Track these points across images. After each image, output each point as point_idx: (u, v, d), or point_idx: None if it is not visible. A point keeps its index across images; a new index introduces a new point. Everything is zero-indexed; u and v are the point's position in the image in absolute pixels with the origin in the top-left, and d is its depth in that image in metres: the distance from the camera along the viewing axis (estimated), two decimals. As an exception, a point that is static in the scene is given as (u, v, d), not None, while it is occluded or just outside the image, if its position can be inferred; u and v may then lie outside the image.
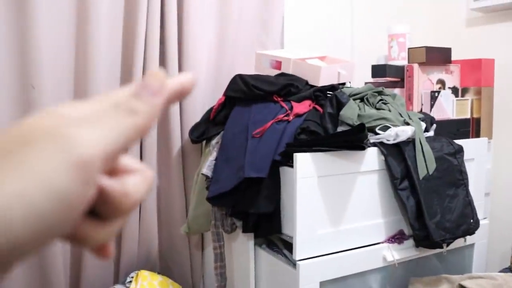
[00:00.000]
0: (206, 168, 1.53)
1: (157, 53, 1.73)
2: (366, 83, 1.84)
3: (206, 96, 1.87)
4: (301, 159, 1.32)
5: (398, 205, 1.50)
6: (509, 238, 2.03)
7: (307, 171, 1.33)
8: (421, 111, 1.81)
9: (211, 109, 1.73)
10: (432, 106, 1.91)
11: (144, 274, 1.71)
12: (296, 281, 1.34)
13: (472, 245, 1.67)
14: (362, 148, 1.38)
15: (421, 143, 1.48)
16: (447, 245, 1.46)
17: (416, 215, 1.44)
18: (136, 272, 1.73)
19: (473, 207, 1.55)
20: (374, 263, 1.46)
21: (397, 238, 1.49)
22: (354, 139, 1.36)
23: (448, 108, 1.91)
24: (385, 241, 1.48)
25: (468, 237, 1.58)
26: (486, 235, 1.70)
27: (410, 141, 1.48)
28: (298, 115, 1.49)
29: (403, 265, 1.52)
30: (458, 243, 1.56)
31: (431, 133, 1.63)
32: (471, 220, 1.53)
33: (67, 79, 1.66)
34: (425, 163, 1.47)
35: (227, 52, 1.92)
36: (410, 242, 1.51)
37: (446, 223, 1.46)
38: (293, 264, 1.39)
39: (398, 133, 1.45)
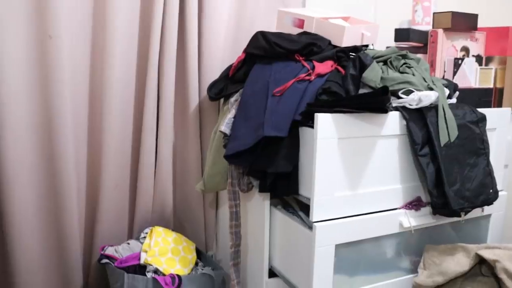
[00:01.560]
0: (224, 125, 1.51)
1: (177, 10, 1.69)
2: (387, 47, 1.79)
3: (225, 54, 1.84)
4: (322, 119, 1.29)
5: (417, 172, 1.48)
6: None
7: (328, 132, 1.30)
8: (443, 78, 1.76)
9: (230, 66, 1.70)
10: (454, 73, 1.87)
11: (158, 230, 1.72)
12: (312, 243, 1.33)
13: (489, 215, 1.65)
14: (385, 111, 1.35)
15: (444, 110, 1.45)
16: (465, 214, 1.44)
17: (435, 182, 1.42)
18: (150, 228, 1.74)
19: (493, 177, 1.52)
20: (390, 228, 1.44)
21: (414, 204, 1.47)
22: (376, 102, 1.33)
23: (471, 76, 1.87)
24: (402, 207, 1.47)
25: (485, 208, 1.56)
26: (504, 206, 1.67)
27: (433, 107, 1.45)
28: (319, 75, 1.45)
29: (418, 233, 1.51)
30: (475, 213, 1.54)
31: (453, 100, 1.59)
32: (490, 190, 1.51)
33: (84, 29, 1.63)
34: (447, 130, 1.44)
35: (248, 9, 1.87)
36: (427, 209, 1.49)
37: (466, 192, 1.43)
38: (309, 226, 1.39)
39: (421, 97, 1.41)
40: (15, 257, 1.59)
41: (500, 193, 1.55)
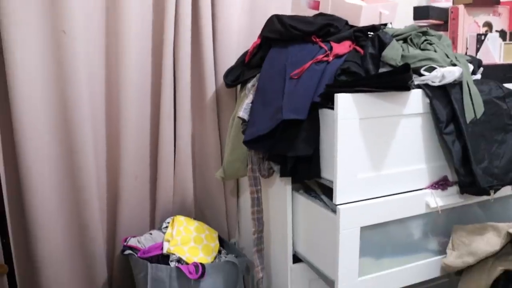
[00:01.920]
0: (243, 111, 1.48)
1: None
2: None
3: (240, 40, 1.81)
4: (343, 100, 1.26)
5: (442, 150, 1.44)
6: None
7: (349, 113, 1.27)
8: (466, 55, 1.71)
9: (245, 52, 1.68)
10: (477, 50, 1.81)
11: (180, 219, 1.71)
12: (336, 226, 1.30)
13: (518, 193, 1.60)
14: (407, 88, 1.32)
15: (468, 86, 1.40)
16: (494, 192, 1.40)
17: (462, 160, 1.37)
18: (172, 217, 1.73)
19: (523, 153, 1.48)
20: (417, 209, 1.41)
21: (441, 184, 1.43)
22: (398, 80, 1.29)
23: (495, 52, 1.81)
24: (428, 187, 1.43)
25: (515, 185, 1.52)
26: (534, 184, 1.62)
27: (457, 84, 1.40)
28: (338, 56, 1.42)
29: (444, 213, 1.46)
30: (504, 191, 1.48)
31: (478, 76, 1.55)
32: (520, 167, 1.46)
33: (98, 23, 1.62)
34: (473, 107, 1.40)
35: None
36: (454, 189, 1.45)
37: (494, 169, 1.39)
38: (332, 209, 1.36)
39: (444, 74, 1.37)
40: (38, 251, 1.60)
41: (530, 170, 1.50)
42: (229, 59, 1.76)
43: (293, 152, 1.35)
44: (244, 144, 1.45)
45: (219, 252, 1.72)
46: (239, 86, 1.71)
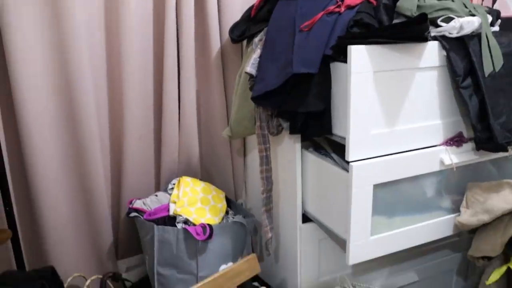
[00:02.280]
0: (250, 66, 1.42)
1: None
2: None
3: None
4: (356, 52, 1.20)
5: (458, 105, 1.38)
6: None
7: (362, 66, 1.21)
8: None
9: (251, 7, 1.61)
10: (494, 2, 1.74)
11: (186, 180, 1.67)
12: (349, 184, 1.26)
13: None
14: (424, 39, 1.25)
15: (487, 37, 1.34)
16: (512, 148, 1.36)
17: (479, 115, 1.33)
18: (178, 178, 1.70)
19: (542, 108, 1.42)
20: (431, 166, 1.36)
21: (455, 140, 1.39)
22: (414, 30, 1.23)
23: None
24: (442, 144, 1.38)
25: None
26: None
27: (475, 35, 1.34)
28: (350, 7, 1.35)
29: (459, 171, 1.42)
30: (522, 147, 1.44)
31: (496, 28, 1.48)
32: (539, 123, 1.41)
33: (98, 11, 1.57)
34: (491, 59, 1.34)
35: None
36: (469, 145, 1.40)
37: (512, 124, 1.34)
38: (343, 167, 1.32)
39: (463, 24, 1.30)
40: (43, 214, 1.57)
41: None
42: (234, 14, 1.70)
43: (303, 108, 1.29)
44: (252, 100, 1.39)
45: (227, 213, 1.70)
46: (245, 42, 1.64)
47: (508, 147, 1.34)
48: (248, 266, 1.39)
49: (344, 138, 1.26)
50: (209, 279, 1.30)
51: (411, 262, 1.76)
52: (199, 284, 1.28)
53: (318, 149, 1.47)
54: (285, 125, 1.42)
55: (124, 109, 1.64)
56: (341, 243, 1.36)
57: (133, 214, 1.63)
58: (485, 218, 1.35)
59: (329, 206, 1.41)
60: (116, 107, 1.66)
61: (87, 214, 1.67)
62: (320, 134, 1.37)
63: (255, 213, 1.77)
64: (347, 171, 1.27)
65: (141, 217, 1.60)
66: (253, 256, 1.42)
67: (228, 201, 1.75)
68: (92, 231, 1.69)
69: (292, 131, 1.39)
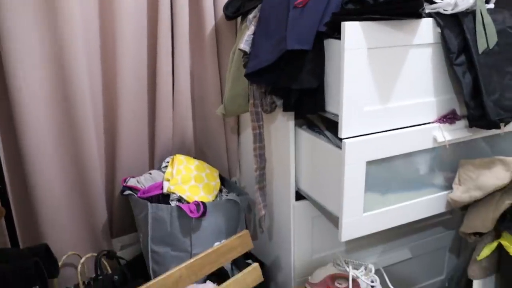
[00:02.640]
0: (244, 43, 1.41)
1: None
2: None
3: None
4: (350, 28, 1.19)
5: (452, 82, 1.38)
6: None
7: (356, 42, 1.20)
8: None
9: (246, -17, 1.59)
10: (489, -21, 1.72)
11: (180, 158, 1.67)
12: (341, 161, 1.26)
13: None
14: (418, 16, 1.24)
15: (482, 14, 1.33)
16: (505, 125, 1.35)
17: (472, 92, 1.32)
18: (172, 156, 1.70)
19: (535, 86, 1.42)
20: (424, 143, 1.37)
21: (449, 118, 1.39)
22: (409, 6, 1.22)
23: (507, -18, 1.72)
24: (436, 121, 1.38)
25: (525, 119, 1.47)
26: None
27: (470, 12, 1.33)
28: (344, -17, 1.33)
29: (452, 148, 1.43)
30: (513, 126, 1.45)
31: (491, 5, 1.47)
32: (532, 100, 1.41)
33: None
34: (485, 36, 1.33)
35: None
36: (462, 123, 1.41)
37: (505, 101, 1.34)
38: (336, 145, 1.32)
39: (458, 1, 1.29)
40: (37, 193, 1.57)
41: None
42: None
43: (297, 84, 1.29)
44: (246, 77, 1.39)
45: (220, 190, 1.70)
46: (239, 19, 1.63)
47: (501, 124, 1.34)
48: (240, 242, 1.40)
49: (337, 115, 1.26)
50: (201, 254, 1.30)
51: (404, 239, 1.78)
52: (192, 260, 1.28)
53: (312, 127, 1.46)
54: (279, 102, 1.42)
55: (118, 87, 1.63)
56: (334, 221, 1.36)
57: (127, 192, 1.63)
58: (477, 194, 1.36)
59: (322, 184, 1.41)
60: (110, 86, 1.65)
61: (81, 192, 1.67)
62: (314, 111, 1.36)
63: (249, 191, 1.78)
64: (340, 148, 1.27)
65: (135, 195, 1.60)
66: (245, 232, 1.43)
67: (222, 179, 1.75)
68: (86, 210, 1.69)
69: (286, 108, 1.38)
